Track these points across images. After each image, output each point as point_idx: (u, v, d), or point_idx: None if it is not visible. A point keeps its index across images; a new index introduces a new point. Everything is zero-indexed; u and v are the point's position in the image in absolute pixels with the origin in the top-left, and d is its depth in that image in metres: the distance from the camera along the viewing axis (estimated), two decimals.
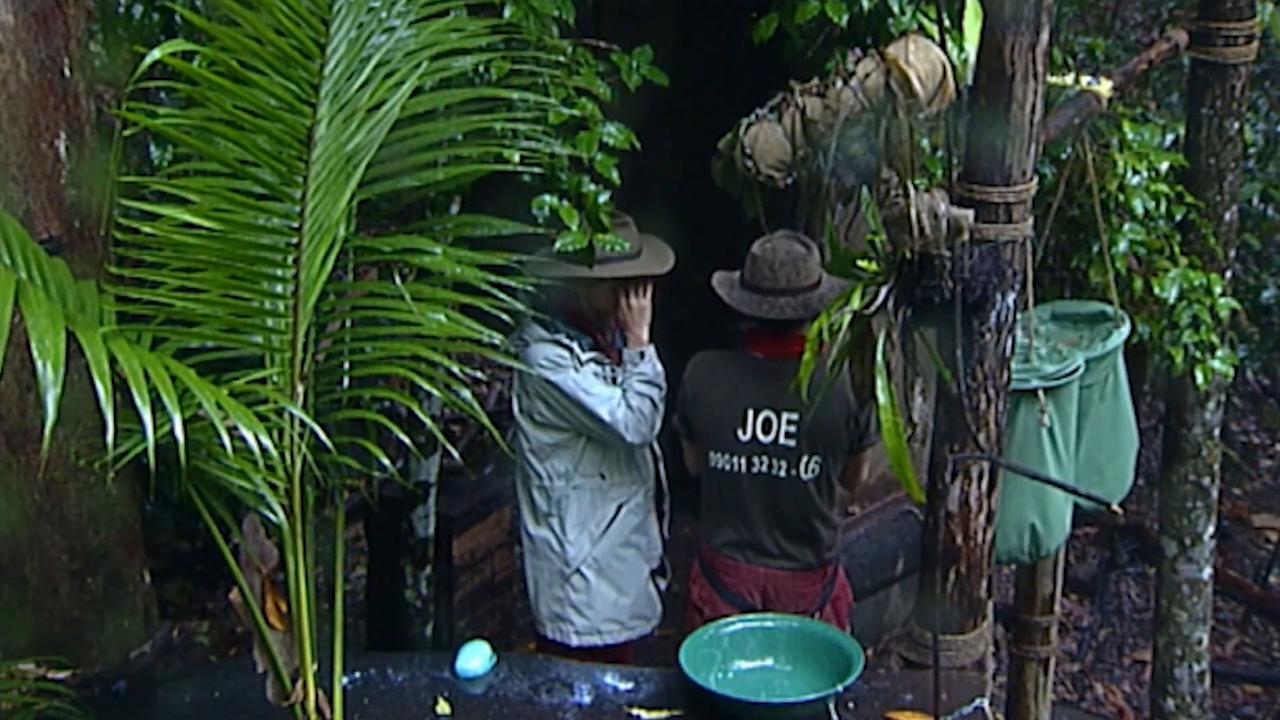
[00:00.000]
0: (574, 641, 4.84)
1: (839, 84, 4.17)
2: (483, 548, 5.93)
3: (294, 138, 3.03)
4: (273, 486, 3.16)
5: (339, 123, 3.09)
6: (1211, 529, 5.73)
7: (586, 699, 4.04)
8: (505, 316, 3.47)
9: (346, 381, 3.49)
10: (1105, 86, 4.80)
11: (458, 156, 3.72)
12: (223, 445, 2.88)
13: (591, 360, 4.67)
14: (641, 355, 4.69)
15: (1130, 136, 5.05)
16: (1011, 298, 3.74)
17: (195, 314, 3.15)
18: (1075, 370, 4.37)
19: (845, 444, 4.73)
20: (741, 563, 4.79)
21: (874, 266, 3.78)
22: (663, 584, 5.08)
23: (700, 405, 4.78)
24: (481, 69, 3.78)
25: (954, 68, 4.07)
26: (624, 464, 4.78)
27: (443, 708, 3.96)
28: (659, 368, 4.71)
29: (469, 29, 3.60)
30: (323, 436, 3.11)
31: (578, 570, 4.79)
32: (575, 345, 4.66)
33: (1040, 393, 4.28)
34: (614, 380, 4.69)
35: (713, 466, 4.77)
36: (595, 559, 4.79)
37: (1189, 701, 5.84)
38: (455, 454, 4.34)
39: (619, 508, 4.79)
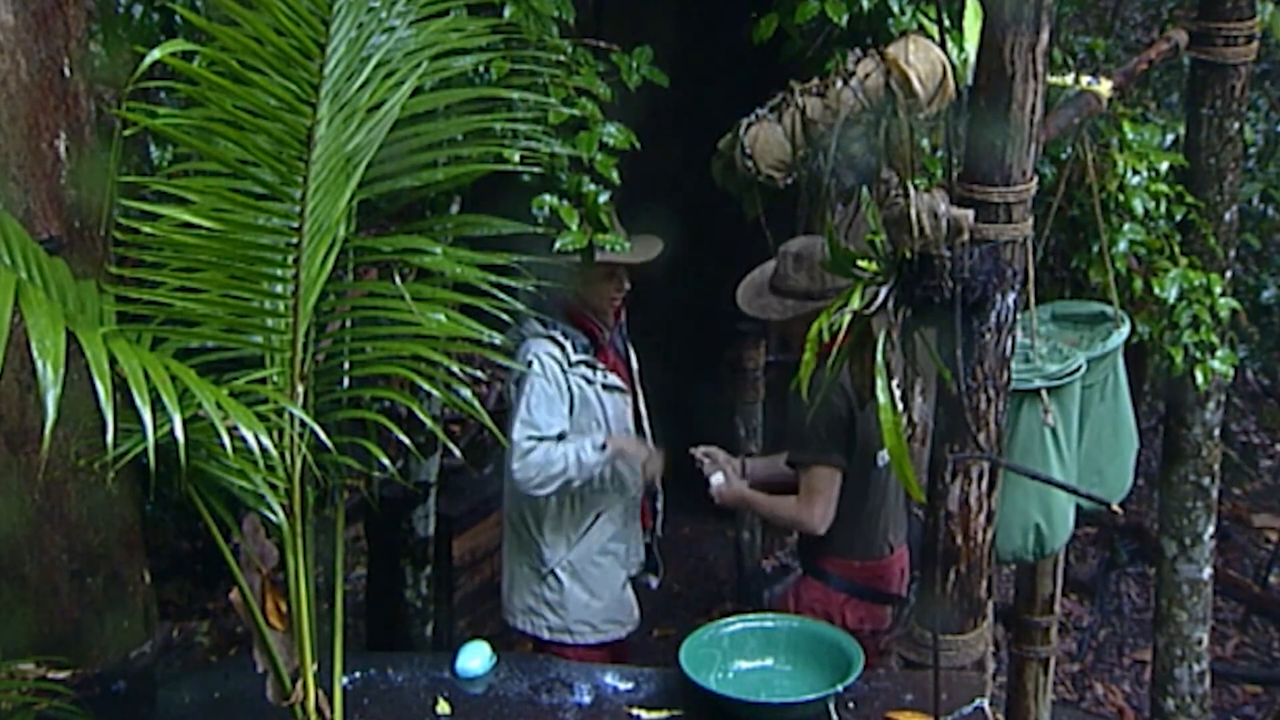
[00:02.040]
0: (545, 636, 4.85)
1: (839, 84, 4.17)
2: (483, 548, 5.93)
3: (294, 138, 3.03)
4: (273, 486, 3.16)
5: (339, 123, 3.09)
6: (1211, 529, 5.73)
7: (586, 699, 4.04)
8: (505, 316, 3.48)
9: (346, 381, 3.49)
10: (1105, 86, 4.79)
11: (458, 156, 3.72)
12: (223, 445, 2.88)
13: (581, 363, 4.64)
14: (603, 448, 4.62)
15: (1130, 136, 5.04)
16: (1011, 298, 3.74)
17: (195, 314, 3.16)
18: (1077, 369, 4.37)
19: None
20: (890, 556, 4.76)
21: (874, 266, 3.78)
22: (654, 582, 5.07)
23: (864, 414, 4.43)
24: (481, 69, 3.78)
25: (954, 68, 4.07)
26: (609, 471, 4.72)
27: (443, 708, 3.96)
28: (597, 471, 4.62)
29: (469, 29, 3.60)
30: (323, 436, 3.11)
31: (553, 571, 4.78)
32: (569, 345, 4.64)
33: (1043, 392, 4.28)
34: (592, 381, 4.65)
35: (878, 468, 4.63)
36: (570, 562, 4.78)
37: (1189, 701, 5.84)
38: (457, 452, 4.34)
39: (597, 515, 4.77)
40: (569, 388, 4.65)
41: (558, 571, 4.78)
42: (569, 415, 4.66)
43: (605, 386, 4.72)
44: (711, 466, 4.83)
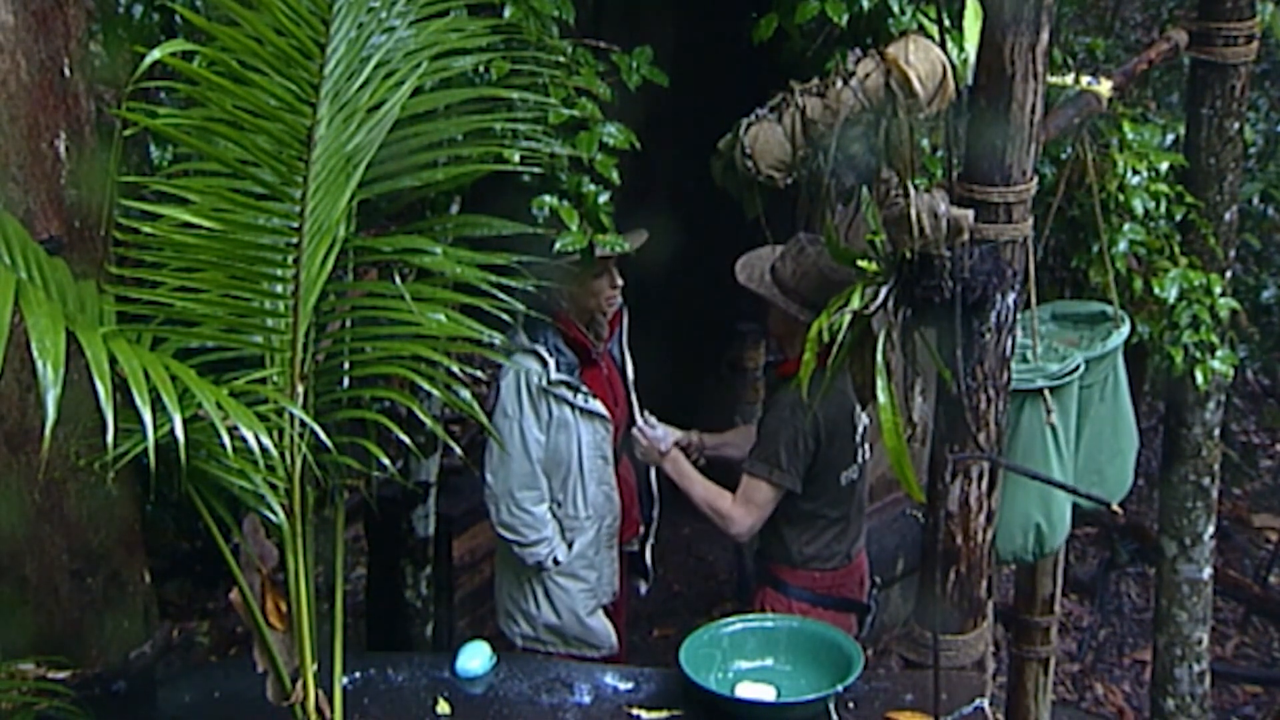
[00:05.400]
0: (519, 644, 4.83)
1: (839, 84, 4.17)
2: (483, 548, 5.92)
3: (294, 138, 3.03)
4: (273, 486, 3.16)
5: (339, 123, 3.09)
6: (1211, 529, 5.73)
7: (586, 699, 4.04)
8: (505, 316, 3.47)
9: (346, 381, 3.49)
10: (1105, 86, 4.79)
11: (458, 156, 3.72)
12: (223, 445, 2.88)
13: (562, 383, 4.56)
14: (555, 560, 4.68)
15: (1130, 136, 5.04)
16: (1011, 298, 3.74)
17: (195, 314, 3.16)
18: (1076, 369, 4.38)
19: None
20: (848, 565, 4.76)
21: (874, 266, 3.78)
22: (643, 587, 5.07)
23: (834, 432, 4.57)
24: (481, 69, 3.78)
25: (954, 68, 4.07)
26: (581, 499, 4.68)
27: (443, 708, 3.96)
28: (533, 548, 4.67)
29: (469, 29, 3.60)
30: (323, 436, 3.11)
31: (530, 579, 4.76)
32: (552, 362, 4.56)
33: (1046, 392, 4.29)
34: (573, 404, 4.59)
35: (841, 486, 4.66)
36: (543, 576, 4.74)
37: (1189, 701, 5.84)
38: (458, 451, 4.33)
39: (571, 543, 4.71)
40: (547, 406, 4.59)
41: (533, 580, 4.75)
42: (546, 440, 4.62)
43: (584, 411, 4.62)
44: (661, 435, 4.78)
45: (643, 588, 5.08)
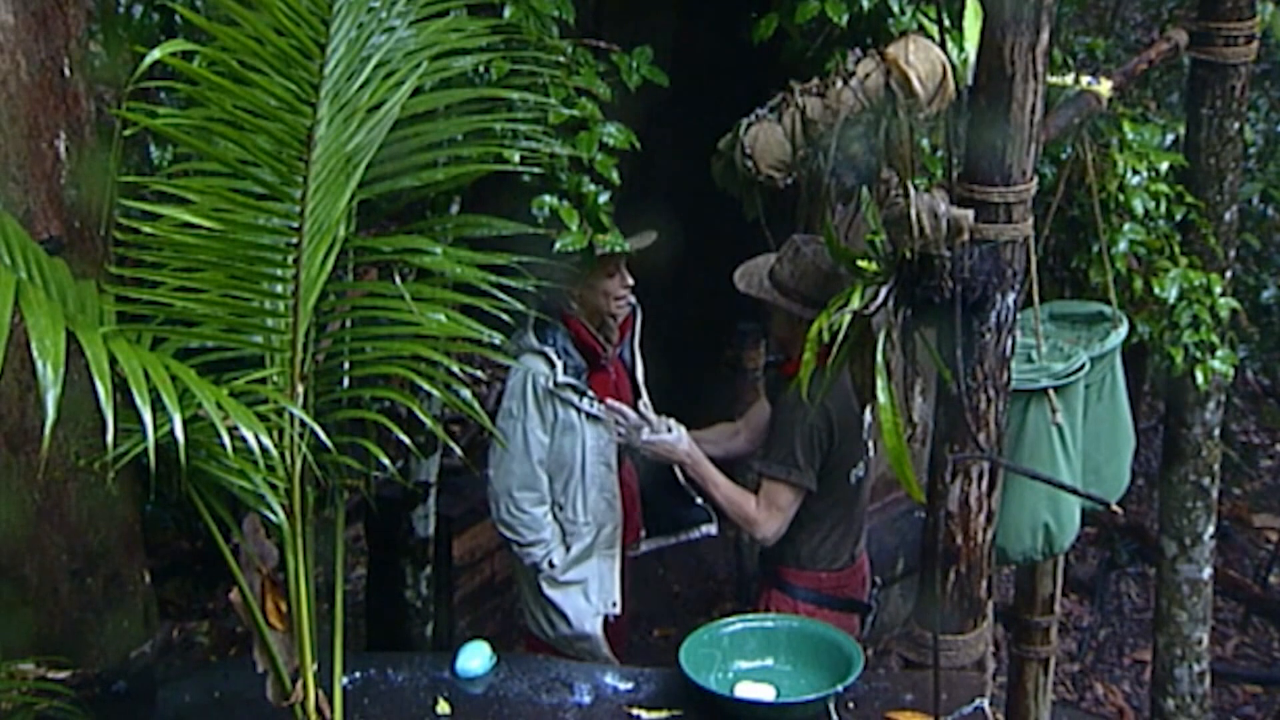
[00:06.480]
0: (539, 636, 4.82)
1: (839, 84, 4.17)
2: (483, 548, 5.93)
3: (294, 138, 3.03)
4: (273, 486, 3.16)
5: (339, 123, 3.09)
6: (1211, 529, 5.73)
7: (586, 699, 4.04)
8: (505, 316, 3.47)
9: (346, 381, 3.49)
10: (1105, 86, 4.80)
11: (458, 156, 3.72)
12: (223, 445, 2.88)
13: (568, 386, 4.54)
14: (551, 563, 4.66)
15: (1130, 136, 5.05)
16: (1011, 298, 3.74)
17: (195, 314, 3.16)
18: (1082, 368, 4.38)
19: None
20: (853, 565, 4.76)
21: (874, 266, 3.78)
22: (712, 529, 4.99)
23: (845, 429, 4.55)
24: (481, 69, 3.78)
25: (954, 68, 4.07)
26: (581, 504, 4.66)
27: (443, 708, 3.96)
28: (530, 548, 4.65)
29: (469, 29, 3.60)
30: (323, 436, 3.11)
31: (536, 580, 4.74)
32: (560, 365, 4.54)
33: (1051, 391, 4.29)
34: (579, 407, 4.56)
35: (850, 484, 4.66)
36: (540, 579, 4.72)
37: (1189, 701, 5.85)
38: (458, 451, 4.33)
39: (569, 549, 4.69)
40: (553, 408, 4.57)
41: (541, 581, 4.73)
42: (550, 442, 4.61)
43: (589, 415, 4.59)
44: (659, 424, 4.69)
45: (711, 530, 4.98)
